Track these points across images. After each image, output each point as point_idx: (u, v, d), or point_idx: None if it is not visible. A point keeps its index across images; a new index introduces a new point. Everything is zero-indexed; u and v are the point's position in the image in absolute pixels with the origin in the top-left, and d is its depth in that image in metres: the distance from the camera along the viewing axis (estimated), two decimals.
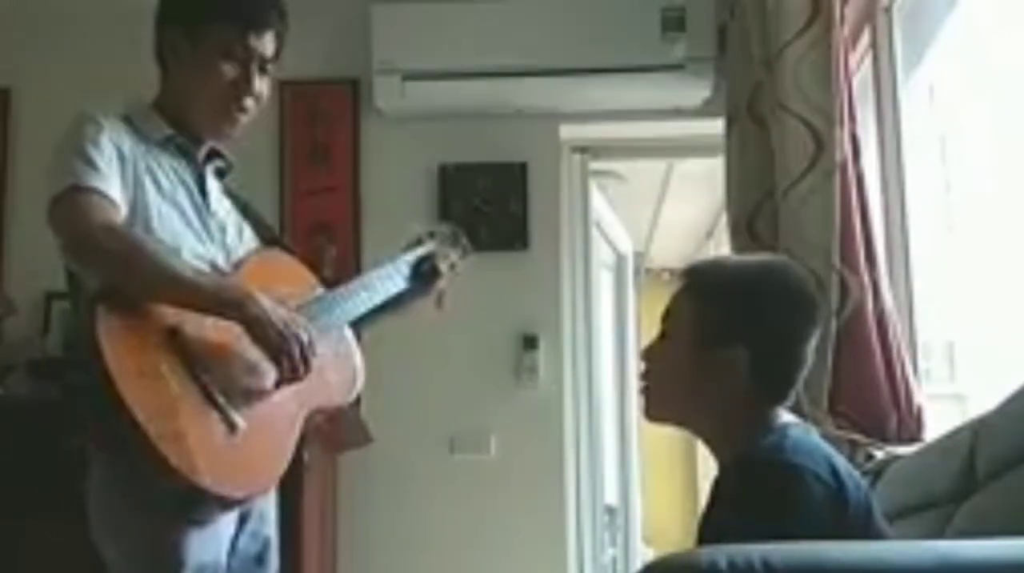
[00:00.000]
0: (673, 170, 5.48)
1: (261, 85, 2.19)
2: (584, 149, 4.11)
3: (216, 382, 1.92)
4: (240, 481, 1.92)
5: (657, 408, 1.91)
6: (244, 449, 1.92)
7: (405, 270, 2.38)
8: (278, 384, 1.99)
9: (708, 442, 1.89)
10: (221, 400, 1.91)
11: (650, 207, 6.10)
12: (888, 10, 3.19)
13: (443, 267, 2.41)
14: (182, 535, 1.92)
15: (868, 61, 3.28)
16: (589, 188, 4.14)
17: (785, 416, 1.82)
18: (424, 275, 2.39)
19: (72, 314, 2.14)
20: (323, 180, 3.86)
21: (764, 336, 1.80)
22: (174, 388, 1.89)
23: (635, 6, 3.73)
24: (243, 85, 2.16)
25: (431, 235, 2.49)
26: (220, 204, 2.22)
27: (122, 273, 1.94)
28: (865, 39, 3.28)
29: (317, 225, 3.82)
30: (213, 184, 2.23)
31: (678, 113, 3.90)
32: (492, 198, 3.86)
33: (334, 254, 3.72)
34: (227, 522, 2.02)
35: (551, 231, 3.91)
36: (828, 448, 1.74)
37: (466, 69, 3.72)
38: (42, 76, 3.91)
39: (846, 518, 1.64)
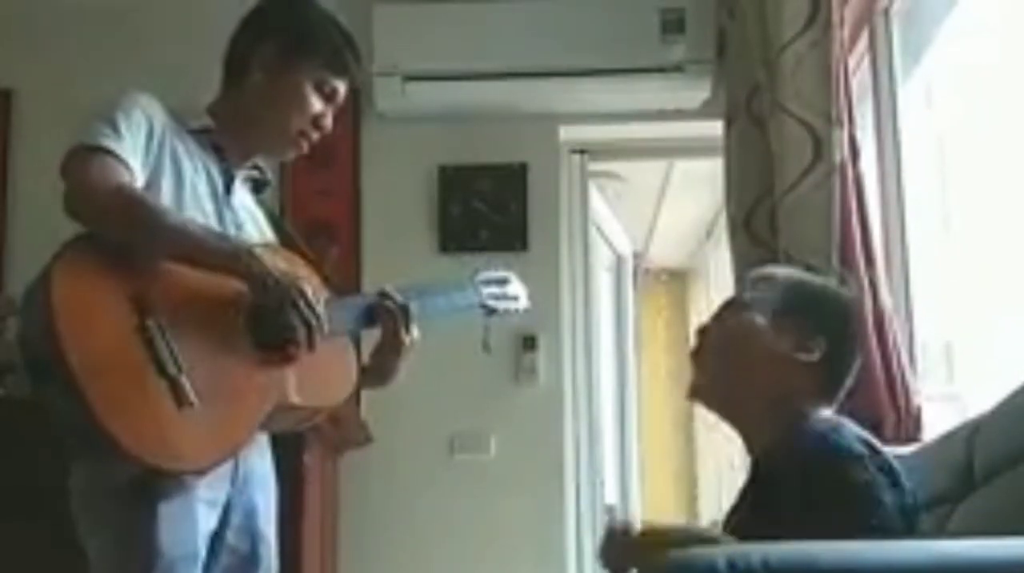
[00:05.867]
0: (672, 171, 5.48)
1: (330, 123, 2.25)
2: (583, 150, 4.11)
3: (173, 349, 1.87)
4: (173, 454, 1.86)
5: (704, 390, 1.98)
6: (190, 423, 1.86)
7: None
8: (296, 343, 1.96)
9: (745, 426, 1.93)
10: (172, 370, 1.86)
11: (649, 208, 6.09)
12: (886, 11, 3.20)
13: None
14: (152, 523, 1.90)
15: (866, 62, 3.28)
16: (588, 189, 4.15)
17: (828, 413, 1.89)
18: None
19: None
20: (324, 181, 3.86)
21: (843, 335, 1.91)
22: (122, 347, 1.85)
23: (634, 8, 3.74)
24: (322, 120, 2.22)
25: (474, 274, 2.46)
26: (243, 204, 2.23)
27: (121, 226, 1.94)
28: (863, 40, 3.29)
29: (318, 225, 3.82)
30: (241, 188, 2.24)
31: (677, 114, 3.91)
32: (492, 199, 3.87)
33: (335, 254, 3.73)
34: (202, 512, 1.99)
35: (550, 232, 3.91)
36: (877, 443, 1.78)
37: (466, 71, 3.73)
38: (44, 77, 3.92)
39: (905, 508, 1.70)
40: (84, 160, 1.97)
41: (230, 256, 1.97)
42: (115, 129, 1.99)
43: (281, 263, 2.06)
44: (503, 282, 2.50)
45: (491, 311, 2.44)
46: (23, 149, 3.92)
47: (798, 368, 1.87)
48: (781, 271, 2.13)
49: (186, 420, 1.86)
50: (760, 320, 1.92)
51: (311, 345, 1.98)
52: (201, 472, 1.94)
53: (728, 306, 2.01)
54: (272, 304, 1.96)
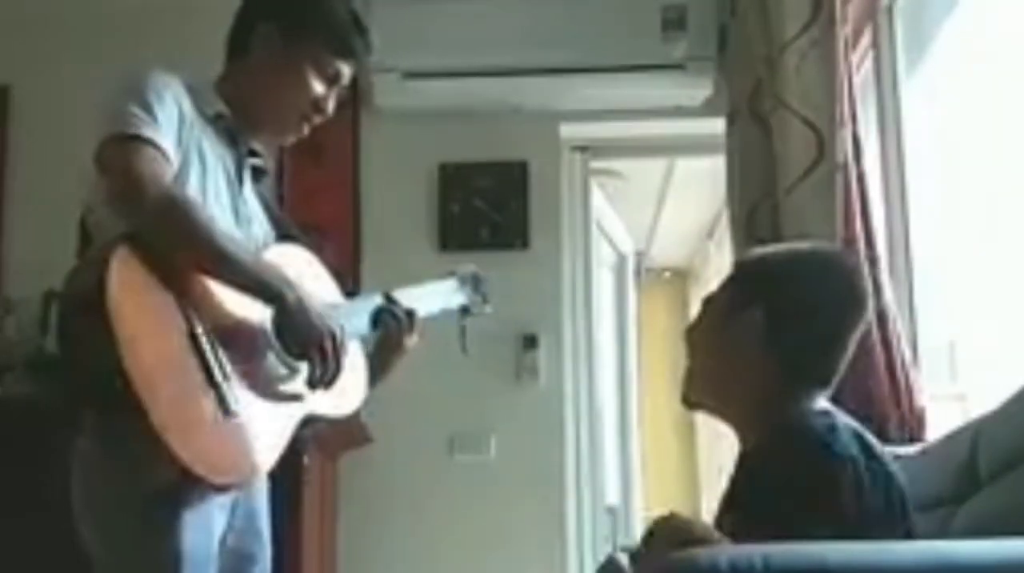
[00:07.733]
0: (674, 169, 5.47)
1: (333, 107, 2.18)
2: (584, 148, 4.10)
3: (220, 358, 1.83)
4: (221, 467, 1.83)
5: (694, 390, 1.91)
6: (233, 434, 1.83)
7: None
8: (311, 384, 1.93)
9: (736, 422, 1.87)
10: (219, 378, 1.82)
11: (651, 206, 6.09)
12: (890, 8, 3.19)
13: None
14: (176, 529, 1.85)
15: (869, 60, 3.27)
16: (589, 187, 4.13)
17: (825, 404, 1.81)
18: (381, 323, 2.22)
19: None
20: (322, 178, 3.85)
21: (780, 300, 1.78)
22: (174, 352, 1.80)
23: (636, 5, 3.73)
24: (323, 103, 2.15)
25: (452, 274, 2.45)
26: (251, 196, 2.17)
27: (165, 230, 1.85)
28: (866, 38, 3.28)
29: (316, 223, 3.81)
30: (248, 177, 2.18)
31: (679, 112, 3.89)
32: (492, 197, 3.85)
33: (334, 252, 3.71)
34: (217, 517, 1.96)
35: (551, 230, 3.90)
36: (877, 444, 1.72)
37: (466, 67, 3.71)
38: (42, 74, 3.90)
39: (893, 516, 1.65)
40: (127, 152, 1.86)
41: (275, 295, 1.91)
42: (150, 113, 1.90)
43: (303, 273, 2.02)
44: (477, 280, 2.51)
45: (466, 310, 2.46)
46: (21, 146, 3.90)
47: (755, 355, 1.78)
48: (747, 254, 2.05)
49: (225, 430, 1.82)
50: (716, 314, 1.88)
51: (325, 385, 1.95)
52: (241, 485, 1.92)
53: (701, 306, 1.97)
54: (301, 345, 1.93)
